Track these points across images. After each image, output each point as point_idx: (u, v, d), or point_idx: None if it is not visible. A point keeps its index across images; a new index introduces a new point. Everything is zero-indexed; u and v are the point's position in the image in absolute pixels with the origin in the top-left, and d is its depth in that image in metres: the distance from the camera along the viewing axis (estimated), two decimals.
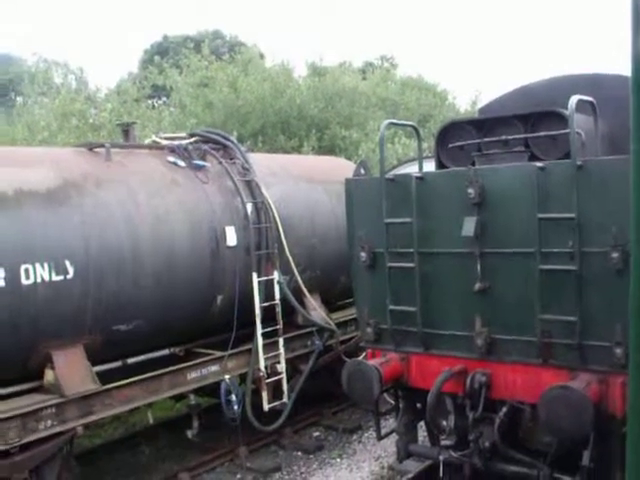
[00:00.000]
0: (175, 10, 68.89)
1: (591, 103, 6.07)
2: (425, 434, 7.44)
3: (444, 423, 6.28)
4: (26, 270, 6.31)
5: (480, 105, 10.18)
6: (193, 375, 7.96)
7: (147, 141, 9.26)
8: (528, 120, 6.29)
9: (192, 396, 8.12)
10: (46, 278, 6.45)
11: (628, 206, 4.90)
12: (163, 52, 33.79)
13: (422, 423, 7.18)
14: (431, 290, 6.32)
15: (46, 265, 6.46)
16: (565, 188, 5.42)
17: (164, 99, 27.40)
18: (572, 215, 5.37)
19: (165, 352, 8.18)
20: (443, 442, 6.51)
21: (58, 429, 6.59)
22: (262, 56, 24.89)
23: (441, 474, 6.38)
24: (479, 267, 5.97)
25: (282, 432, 9.24)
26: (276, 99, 19.42)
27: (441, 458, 6.30)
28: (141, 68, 33.51)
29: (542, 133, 6.15)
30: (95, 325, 6.96)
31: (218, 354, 8.28)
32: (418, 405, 6.79)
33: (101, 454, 8.95)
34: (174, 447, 9.17)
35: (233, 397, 8.13)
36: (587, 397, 5.13)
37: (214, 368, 8.20)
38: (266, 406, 8.66)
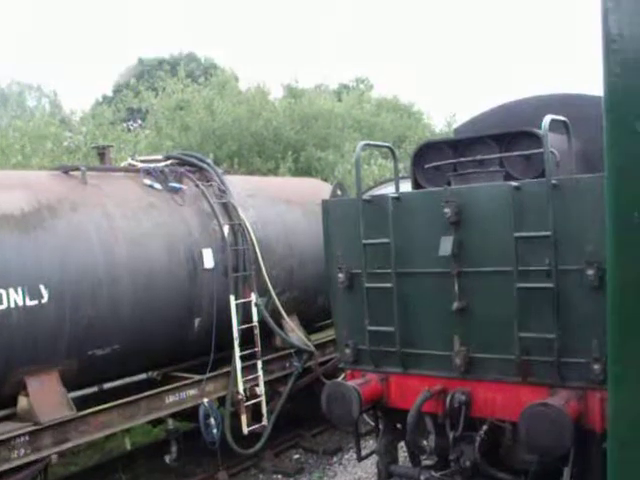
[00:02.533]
0: (149, 34, 68.96)
1: (564, 122, 6.16)
2: (406, 454, 7.40)
3: (424, 443, 6.25)
4: None
5: (455, 125, 10.28)
6: (171, 399, 7.87)
7: (123, 164, 9.22)
8: (503, 140, 6.36)
9: (170, 420, 8.01)
10: (20, 303, 6.35)
11: (603, 223, 4.94)
12: (138, 75, 33.76)
13: (402, 443, 7.15)
14: (409, 310, 6.32)
15: (20, 290, 6.36)
16: (540, 206, 5.47)
17: (140, 122, 27.36)
18: (548, 233, 5.41)
19: (142, 376, 8.08)
20: (424, 462, 6.49)
21: (32, 457, 6.45)
22: (237, 79, 24.99)
23: None
24: (457, 286, 5.99)
25: (262, 455, 9.15)
26: (252, 121, 19.49)
27: (422, 478, 6.26)
28: (116, 91, 33.45)
29: (517, 153, 6.22)
30: (71, 350, 6.86)
31: (196, 377, 8.20)
32: (398, 425, 6.76)
33: None
34: (152, 473, 9.01)
35: (212, 421, 8.04)
36: (566, 414, 5.14)
37: (192, 392, 8.12)
38: (245, 429, 8.58)
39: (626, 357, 1.59)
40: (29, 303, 6.43)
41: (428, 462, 6.34)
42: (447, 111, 27.92)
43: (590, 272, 5.21)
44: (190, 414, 8.27)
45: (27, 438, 6.43)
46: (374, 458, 7.12)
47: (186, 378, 8.23)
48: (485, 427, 5.82)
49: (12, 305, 6.29)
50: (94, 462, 9.59)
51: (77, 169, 7.71)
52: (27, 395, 6.56)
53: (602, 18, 1.50)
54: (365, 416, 7.46)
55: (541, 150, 5.64)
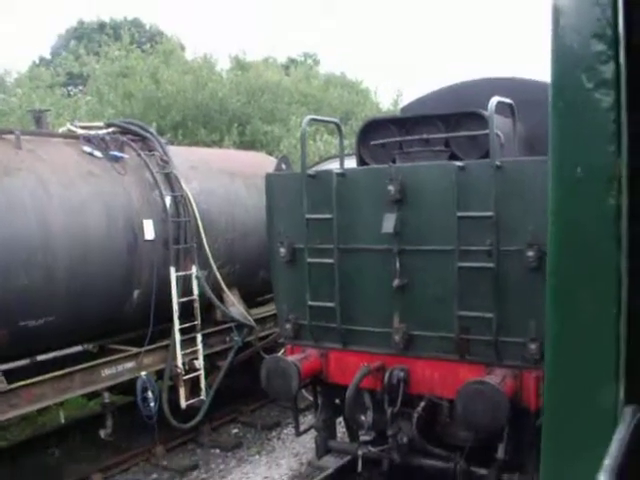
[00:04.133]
0: None
1: (510, 105, 6.21)
2: (344, 430, 7.45)
3: (362, 419, 6.31)
4: None
5: (402, 104, 10.28)
6: (107, 372, 7.73)
7: (62, 130, 8.91)
8: (449, 120, 6.37)
9: (106, 394, 7.87)
10: None
11: (544, 206, 5.01)
12: (79, 38, 32.70)
13: (341, 419, 7.19)
14: (350, 286, 6.32)
15: None
16: (484, 187, 5.51)
17: (80, 87, 26.56)
18: (490, 214, 5.46)
19: (78, 348, 7.90)
20: (362, 438, 6.53)
21: None
22: (183, 48, 24.48)
23: (359, 469, 6.40)
24: (398, 264, 6.01)
25: (200, 430, 9.10)
26: (197, 92, 19.16)
27: (360, 453, 6.32)
28: (54, 54, 32.35)
29: (462, 133, 6.24)
30: (0, 320, 6.62)
31: (134, 350, 8.07)
32: (337, 401, 6.79)
33: (7, 457, 8.54)
34: (87, 448, 8.85)
35: (149, 394, 7.94)
36: (502, 392, 5.24)
37: (130, 365, 7.99)
38: (183, 403, 8.51)
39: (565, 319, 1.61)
40: None
41: (366, 438, 6.38)
42: (394, 91, 27.97)
43: (530, 253, 5.29)
44: (127, 388, 8.15)
45: None
46: (312, 433, 7.15)
47: (123, 351, 8.08)
48: (423, 404, 5.89)
49: None
50: (26, 436, 9.36)
51: (11, 132, 7.40)
52: None
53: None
54: (304, 391, 7.47)
55: (486, 131, 5.67)
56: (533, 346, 5.35)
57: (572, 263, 1.64)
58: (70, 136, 8.32)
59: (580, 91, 1.49)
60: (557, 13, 1.52)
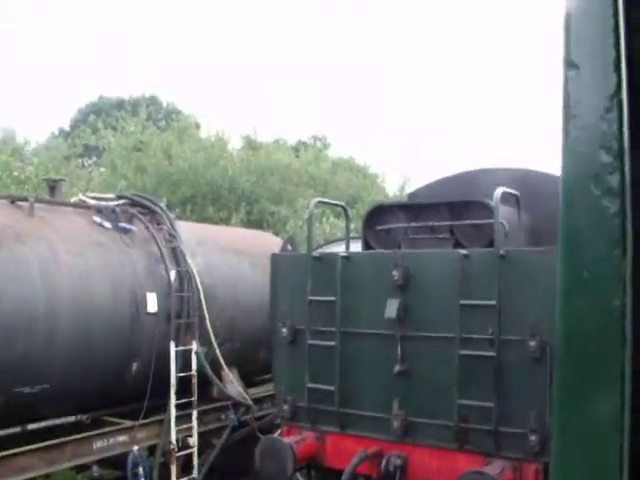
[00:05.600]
0: (111, 72, 68.98)
1: (515, 196, 6.33)
2: None
3: None
4: None
5: (408, 190, 10.46)
6: (99, 444, 7.58)
7: (74, 199, 9.07)
8: (455, 208, 6.49)
9: (95, 467, 7.69)
10: None
11: (546, 296, 5.04)
12: (97, 112, 33.63)
13: None
14: (350, 370, 6.29)
15: None
16: (487, 276, 5.57)
17: (95, 159, 27.12)
18: (493, 302, 5.49)
19: (71, 419, 7.77)
20: None
21: None
22: (198, 126, 25.09)
23: None
24: (399, 349, 6.00)
25: None
26: (208, 169, 19.53)
27: None
28: (74, 127, 33.22)
29: (467, 221, 6.34)
30: None
31: (128, 423, 7.93)
32: None
33: None
34: None
35: (140, 470, 7.76)
36: None
37: (122, 438, 7.84)
38: None
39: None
40: None
41: None
42: (400, 177, 28.59)
43: (532, 343, 5.28)
44: (117, 462, 7.98)
45: None
46: None
47: (117, 423, 7.95)
48: None
49: None
50: None
51: (25, 199, 7.54)
52: None
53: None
54: (299, 475, 7.31)
55: (491, 220, 5.77)
56: (533, 437, 5.27)
57: (579, 357, 1.70)
58: (82, 206, 8.47)
59: (588, 198, 1.59)
60: (568, 125, 1.63)
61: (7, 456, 6.64)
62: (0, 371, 6.54)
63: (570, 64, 1.57)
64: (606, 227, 1.57)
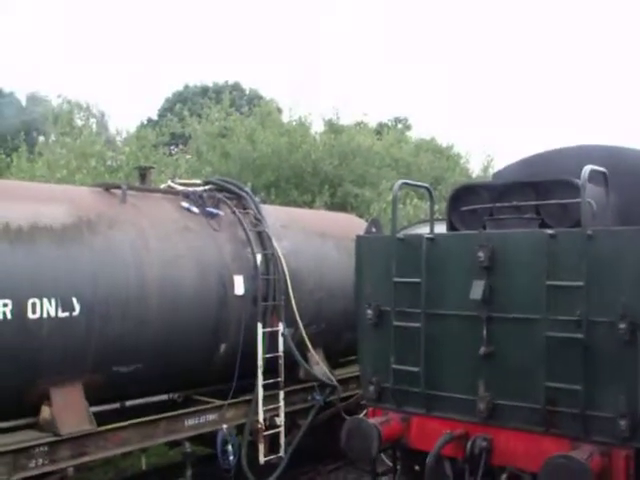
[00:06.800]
0: (196, 60, 70.57)
1: (603, 174, 6.14)
2: None
3: None
4: (33, 304, 6.32)
5: (492, 170, 10.28)
6: (190, 422, 7.87)
7: (163, 186, 9.37)
8: (540, 187, 6.36)
9: (187, 444, 7.98)
10: (52, 314, 6.46)
11: (637, 277, 4.88)
12: (183, 101, 34.45)
13: None
14: (436, 351, 6.28)
15: (53, 301, 6.47)
16: (575, 256, 5.44)
17: (181, 146, 27.82)
18: (581, 283, 5.37)
19: (164, 397, 8.10)
20: None
21: (49, 468, 6.48)
22: (280, 110, 25.29)
23: None
24: (485, 331, 5.95)
25: None
26: (292, 153, 19.66)
27: None
28: (161, 115, 34.17)
29: (553, 201, 6.20)
30: (96, 364, 6.93)
31: (217, 403, 8.19)
32: (416, 467, 6.67)
33: None
34: None
35: (229, 447, 8.01)
36: (589, 469, 5.03)
37: (212, 417, 8.11)
38: (262, 459, 8.52)
39: None
40: (61, 314, 6.53)
41: None
42: (484, 157, 27.89)
43: (622, 325, 5.14)
44: (208, 439, 8.25)
45: (46, 448, 6.47)
46: None
47: (207, 402, 8.23)
48: (504, 476, 5.72)
49: (44, 315, 6.40)
50: (108, 479, 9.59)
51: (118, 187, 7.87)
52: (50, 406, 6.62)
53: None
54: (383, 455, 7.38)
55: (578, 200, 5.62)
56: (623, 422, 5.13)
57: None
58: (170, 192, 8.74)
59: None
60: None
61: (108, 430, 7.00)
62: (100, 350, 6.90)
63: None
64: None
